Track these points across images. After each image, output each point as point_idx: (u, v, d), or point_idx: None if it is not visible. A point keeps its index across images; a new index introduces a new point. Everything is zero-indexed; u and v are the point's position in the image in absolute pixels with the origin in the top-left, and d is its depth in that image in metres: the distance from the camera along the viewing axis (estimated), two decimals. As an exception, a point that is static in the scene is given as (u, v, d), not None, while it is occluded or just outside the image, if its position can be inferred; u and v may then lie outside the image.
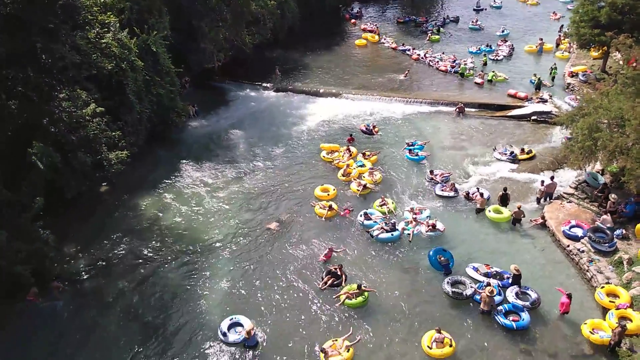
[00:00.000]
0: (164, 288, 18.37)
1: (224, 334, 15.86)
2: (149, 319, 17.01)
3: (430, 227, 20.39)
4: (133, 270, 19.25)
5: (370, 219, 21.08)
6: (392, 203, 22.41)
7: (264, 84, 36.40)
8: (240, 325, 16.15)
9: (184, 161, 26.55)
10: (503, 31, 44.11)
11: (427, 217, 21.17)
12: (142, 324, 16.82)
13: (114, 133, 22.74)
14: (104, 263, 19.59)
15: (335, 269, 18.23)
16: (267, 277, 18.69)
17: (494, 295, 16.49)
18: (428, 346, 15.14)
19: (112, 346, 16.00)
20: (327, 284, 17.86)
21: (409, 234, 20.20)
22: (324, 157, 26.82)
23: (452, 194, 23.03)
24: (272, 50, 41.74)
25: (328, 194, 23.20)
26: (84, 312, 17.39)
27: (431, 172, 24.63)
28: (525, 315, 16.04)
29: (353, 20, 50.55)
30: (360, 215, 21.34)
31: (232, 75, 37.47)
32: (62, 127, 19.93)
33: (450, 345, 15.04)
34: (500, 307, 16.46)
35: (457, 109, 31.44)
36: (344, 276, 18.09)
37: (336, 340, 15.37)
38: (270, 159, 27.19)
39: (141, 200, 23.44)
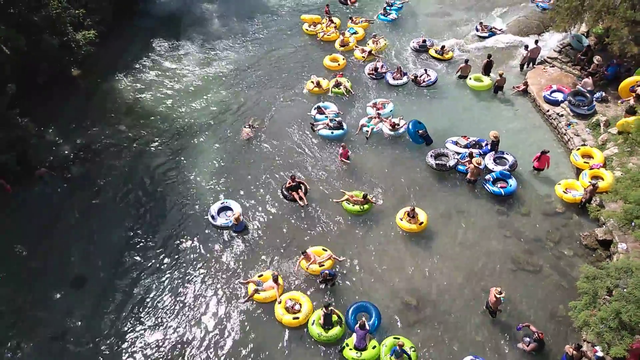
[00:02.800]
0: (153, 168, 18.56)
1: (213, 217, 16.21)
2: (143, 200, 17.40)
3: (392, 125, 19.23)
4: (119, 153, 19.30)
5: (324, 113, 19.99)
6: (348, 81, 21.75)
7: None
8: (230, 209, 16.45)
9: (157, 40, 25.38)
10: None
11: (391, 111, 20.12)
12: (135, 205, 17.25)
13: (77, 11, 21.30)
14: (88, 147, 19.51)
15: (294, 183, 17.01)
16: (252, 161, 18.72)
17: (481, 166, 17.04)
18: (400, 218, 15.86)
19: (108, 226, 16.53)
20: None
21: (367, 131, 19.24)
22: (306, 29, 25.74)
23: (403, 80, 21.80)
24: None
25: (338, 64, 23.16)
26: (75, 195, 17.69)
27: (423, 41, 24.09)
28: (512, 182, 16.71)
29: None
30: (314, 108, 20.31)
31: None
32: (22, 6, 18.57)
33: (420, 224, 15.56)
34: (488, 176, 17.04)
35: None
36: (302, 186, 17.07)
37: (325, 250, 14.92)
38: (248, 33, 26.08)
39: (116, 82, 22.76)
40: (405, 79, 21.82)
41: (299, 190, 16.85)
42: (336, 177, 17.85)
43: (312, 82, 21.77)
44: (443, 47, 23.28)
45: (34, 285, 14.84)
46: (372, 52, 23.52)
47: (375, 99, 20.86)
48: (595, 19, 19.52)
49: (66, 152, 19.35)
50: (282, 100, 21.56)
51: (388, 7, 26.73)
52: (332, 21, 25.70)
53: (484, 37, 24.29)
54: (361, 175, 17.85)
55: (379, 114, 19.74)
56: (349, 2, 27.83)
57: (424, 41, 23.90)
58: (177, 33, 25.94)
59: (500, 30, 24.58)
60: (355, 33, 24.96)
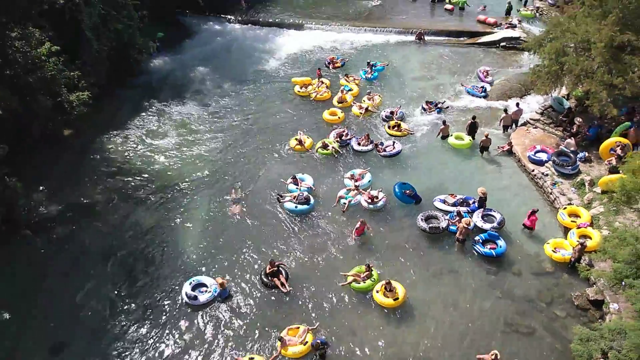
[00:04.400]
0: (139, 231, 18.31)
1: (194, 297, 15.23)
2: (127, 264, 17.00)
3: (370, 198, 18.64)
4: (106, 214, 19.14)
5: (297, 185, 19.42)
6: (335, 142, 21.81)
7: (229, 17, 34.91)
8: (204, 285, 15.69)
9: (149, 100, 25.84)
10: None
11: (369, 182, 19.69)
12: (119, 269, 16.83)
13: (72, 73, 21.81)
14: (75, 208, 19.35)
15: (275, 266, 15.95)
16: (235, 234, 18.08)
17: (470, 226, 17.09)
18: (377, 290, 15.32)
19: (90, 290, 16.08)
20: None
21: (344, 204, 18.69)
22: (298, 91, 26.49)
23: (369, 147, 21.66)
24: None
25: (337, 117, 23.96)
26: (60, 256, 17.36)
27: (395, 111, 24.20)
28: (501, 242, 16.70)
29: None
30: (290, 178, 19.82)
31: (193, 7, 35.54)
32: (18, 68, 18.99)
33: (396, 299, 14.90)
34: (477, 237, 17.01)
35: (417, 36, 31.21)
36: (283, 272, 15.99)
37: (298, 327, 14.23)
38: (240, 95, 26.67)
39: (107, 143, 22.91)
40: (370, 146, 21.74)
41: (280, 275, 15.77)
42: (320, 253, 17.05)
43: (296, 139, 22.14)
44: (398, 124, 22.82)
45: (12, 354, 14.24)
46: (369, 108, 24.40)
47: (353, 170, 20.40)
48: (574, 83, 20.31)
49: (53, 211, 19.13)
50: (272, 162, 21.64)
51: (370, 68, 27.78)
52: (322, 82, 26.58)
53: (438, 111, 24.06)
54: (353, 248, 17.29)
55: (357, 185, 19.27)
56: (331, 66, 28.79)
57: (391, 112, 23.84)
58: (169, 94, 26.46)
59: (446, 106, 24.46)
60: (350, 90, 25.90)
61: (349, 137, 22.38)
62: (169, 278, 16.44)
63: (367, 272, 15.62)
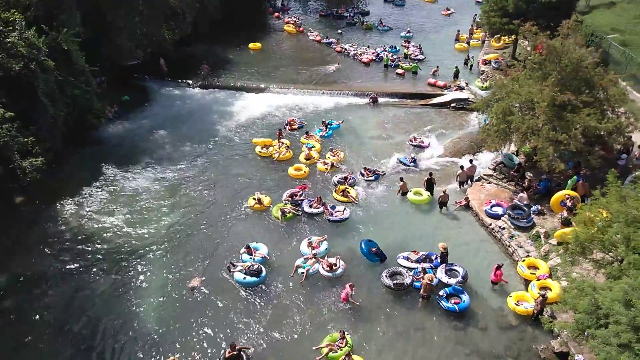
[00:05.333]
0: (93, 301, 17.50)
1: None
2: (79, 338, 16.06)
3: (329, 266, 18.19)
4: (57, 284, 18.22)
5: (251, 255, 18.83)
6: (288, 205, 21.87)
7: (188, 81, 35.41)
8: None
9: (106, 165, 25.31)
10: (409, 32, 44.05)
11: (326, 249, 19.33)
12: (70, 345, 15.86)
13: (26, 139, 21.25)
14: (24, 279, 18.36)
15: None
16: (195, 307, 17.30)
17: (433, 282, 17.17)
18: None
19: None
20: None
21: (302, 273, 18.19)
22: (259, 152, 26.77)
23: (320, 209, 21.57)
24: (194, 46, 40.51)
25: (303, 172, 24.61)
26: (7, 331, 16.25)
27: (363, 171, 24.60)
28: (465, 297, 16.82)
29: (277, 14, 50.53)
30: (244, 247, 19.26)
31: (153, 72, 36.05)
32: (-33, 135, 18.40)
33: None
34: (441, 292, 17.08)
35: (371, 99, 32.47)
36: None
37: None
38: (200, 158, 26.55)
39: (61, 209, 22.10)
40: (322, 208, 21.59)
41: None
42: (285, 327, 16.35)
43: (254, 198, 22.14)
44: (345, 190, 22.69)
45: None
46: (334, 164, 25.09)
47: (312, 237, 19.96)
48: (522, 140, 21.38)
49: (1, 283, 18.03)
50: (232, 226, 21.29)
51: (325, 127, 28.68)
52: (283, 142, 27.03)
53: (371, 180, 24.10)
54: (317, 317, 16.82)
55: (314, 254, 18.76)
56: (288, 127, 29.37)
57: (345, 178, 23.77)
58: (127, 160, 26.02)
59: (382, 173, 24.62)
60: (312, 147, 26.53)
61: (301, 197, 22.43)
62: (121, 355, 15.48)
63: (342, 339, 15.21)
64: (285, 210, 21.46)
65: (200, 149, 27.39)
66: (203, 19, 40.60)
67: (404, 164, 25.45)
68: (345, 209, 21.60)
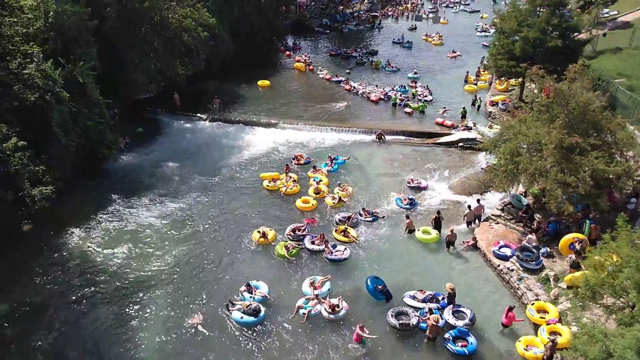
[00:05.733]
0: (95, 333, 17.26)
1: None
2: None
3: (331, 308, 17.70)
4: (59, 314, 18.03)
5: (251, 293, 18.50)
6: (298, 246, 21.51)
7: (199, 115, 35.96)
8: None
9: (115, 196, 25.44)
10: (415, 73, 44.82)
11: (328, 290, 18.85)
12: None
13: (37, 168, 21.49)
14: (27, 308, 18.21)
15: None
16: (196, 346, 16.92)
17: (440, 324, 16.86)
18: None
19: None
20: None
21: (304, 314, 17.71)
22: (267, 185, 26.87)
23: (322, 247, 21.26)
24: (206, 81, 41.36)
25: (311, 204, 24.78)
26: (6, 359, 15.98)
27: (364, 209, 24.30)
28: (472, 339, 16.45)
29: (287, 52, 51.69)
30: (244, 285, 18.91)
31: (165, 106, 36.73)
32: (-20, 163, 18.65)
33: None
34: (447, 335, 16.72)
35: (377, 136, 32.71)
36: None
37: None
38: (208, 191, 26.64)
39: (67, 239, 22.10)
40: (323, 246, 21.28)
41: None
42: None
43: (259, 232, 22.07)
44: (345, 230, 22.36)
45: None
46: (342, 198, 25.11)
47: (314, 276, 19.55)
48: (530, 181, 21.31)
49: (3, 311, 17.94)
50: (236, 261, 21.10)
51: (330, 161, 29.03)
52: (290, 176, 27.24)
53: (369, 221, 23.71)
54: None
55: (316, 294, 18.32)
56: (295, 161, 29.59)
57: (348, 217, 23.50)
58: (136, 192, 26.16)
59: (382, 216, 24.05)
60: (320, 181, 26.68)
61: (304, 232, 22.28)
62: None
63: None
64: (289, 247, 21.22)
65: (208, 182, 27.52)
66: (216, 57, 41.55)
67: (400, 206, 24.98)
68: (345, 248, 21.20)
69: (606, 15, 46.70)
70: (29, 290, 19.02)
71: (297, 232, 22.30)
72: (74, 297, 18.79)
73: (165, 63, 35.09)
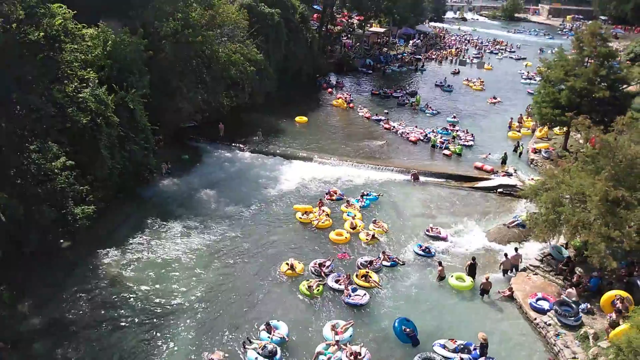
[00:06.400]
0: (119, 355, 17.34)
1: None
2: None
3: (353, 356, 16.75)
4: (91, 330, 18.25)
5: (270, 333, 17.85)
6: (320, 286, 20.88)
7: (240, 145, 36.78)
8: None
9: (152, 219, 26.00)
10: (454, 117, 44.77)
11: (350, 336, 17.91)
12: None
13: (82, 188, 22.31)
14: (57, 323, 18.53)
15: None
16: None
17: None
18: None
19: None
20: None
21: None
22: (300, 218, 26.98)
23: (348, 286, 20.62)
24: (249, 113, 42.46)
25: (344, 237, 24.79)
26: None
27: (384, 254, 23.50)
28: None
29: (330, 90, 52.68)
30: (264, 324, 18.28)
31: (207, 134, 37.80)
32: (29, 179, 19.50)
33: None
34: None
35: (412, 175, 32.46)
36: None
37: None
38: (242, 219, 26.91)
39: (104, 258, 22.57)
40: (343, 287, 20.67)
41: None
42: None
43: (287, 263, 21.95)
44: (366, 274, 21.51)
45: None
46: (375, 235, 24.88)
47: (337, 321, 18.61)
48: (572, 233, 20.50)
49: (35, 325, 18.31)
50: (263, 295, 20.88)
51: (361, 197, 29.09)
52: (323, 210, 27.29)
53: (389, 266, 22.87)
54: None
55: (337, 340, 17.36)
56: (327, 196, 29.63)
57: (370, 262, 22.65)
58: (172, 214, 26.71)
59: (402, 262, 23.23)
60: (354, 216, 26.74)
61: (329, 269, 21.92)
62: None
63: None
64: (313, 285, 20.77)
65: (244, 211, 27.80)
66: (260, 90, 42.73)
67: (416, 253, 24.06)
68: (365, 294, 20.37)
69: (658, 68, 45.65)
70: (62, 307, 19.38)
71: (322, 267, 22.04)
72: (103, 318, 19.00)
73: (212, 94, 36.30)
